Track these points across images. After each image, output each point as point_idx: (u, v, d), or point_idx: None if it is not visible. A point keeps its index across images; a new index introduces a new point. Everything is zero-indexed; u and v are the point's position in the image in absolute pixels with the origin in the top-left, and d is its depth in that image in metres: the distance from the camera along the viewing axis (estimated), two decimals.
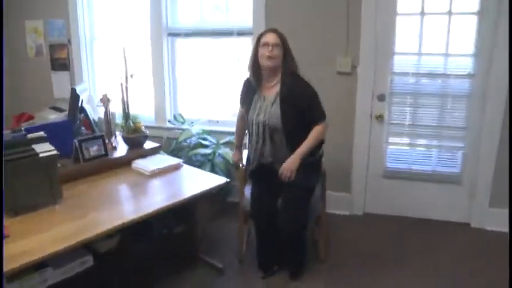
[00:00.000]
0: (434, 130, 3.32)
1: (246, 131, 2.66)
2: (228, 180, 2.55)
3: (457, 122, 3.28)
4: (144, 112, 3.82)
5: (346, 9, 3.17)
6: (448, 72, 3.21)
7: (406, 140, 3.40)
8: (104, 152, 2.53)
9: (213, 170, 3.18)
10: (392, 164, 3.45)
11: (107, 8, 4.02)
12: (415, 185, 3.44)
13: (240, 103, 2.69)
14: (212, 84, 3.82)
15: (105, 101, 2.74)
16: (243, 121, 2.68)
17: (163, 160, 2.71)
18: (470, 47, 3.15)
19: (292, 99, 2.40)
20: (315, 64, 3.25)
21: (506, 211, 3.13)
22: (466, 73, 3.19)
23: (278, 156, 2.47)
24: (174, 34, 3.77)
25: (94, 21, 4.10)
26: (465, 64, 3.19)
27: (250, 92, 2.54)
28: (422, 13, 3.16)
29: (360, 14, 3.17)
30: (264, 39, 2.41)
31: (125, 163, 2.65)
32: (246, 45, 3.52)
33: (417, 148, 3.42)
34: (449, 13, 3.12)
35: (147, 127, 2.96)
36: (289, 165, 2.39)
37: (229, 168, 3.31)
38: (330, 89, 3.21)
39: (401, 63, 3.27)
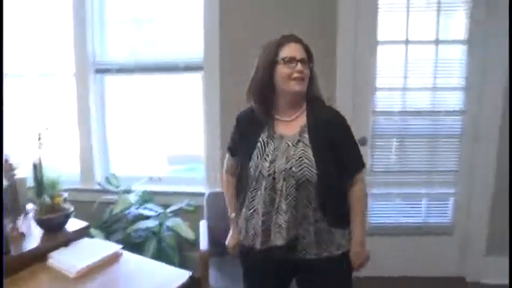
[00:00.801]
0: (423, 176, 2.87)
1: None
2: (190, 273, 1.80)
3: (448, 166, 2.87)
4: (68, 169, 2.98)
5: (319, 39, 2.63)
6: (437, 109, 2.80)
7: (392, 190, 2.88)
8: None
9: (160, 248, 2.43)
10: (377, 219, 2.93)
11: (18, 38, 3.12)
12: (402, 241, 2.97)
13: (231, 150, 1.86)
14: (152, 132, 3.09)
15: (7, 169, 1.92)
16: (235, 178, 1.86)
17: (95, 248, 1.90)
18: (460, 79, 2.77)
19: (326, 137, 1.62)
20: None
21: (504, 259, 2.80)
22: (457, 109, 2.80)
23: (302, 233, 1.62)
24: (103, 70, 2.99)
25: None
26: (455, 99, 2.80)
27: (250, 131, 1.71)
28: (407, 41, 2.72)
29: (335, 44, 2.67)
30: (286, 52, 1.61)
31: (37, 258, 1.81)
32: (195, 82, 2.87)
33: (405, 198, 2.92)
34: (437, 42, 2.73)
35: (72, 190, 2.19)
36: (361, 258, 1.69)
37: (181, 245, 2.56)
38: None
39: (384, 100, 2.80)
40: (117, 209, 2.51)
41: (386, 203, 2.92)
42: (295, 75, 1.59)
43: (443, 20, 2.71)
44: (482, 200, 2.87)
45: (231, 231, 1.82)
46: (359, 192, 1.67)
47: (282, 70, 1.60)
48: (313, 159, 1.58)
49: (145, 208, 2.61)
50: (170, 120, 3.07)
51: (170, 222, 2.53)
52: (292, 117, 1.67)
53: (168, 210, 2.66)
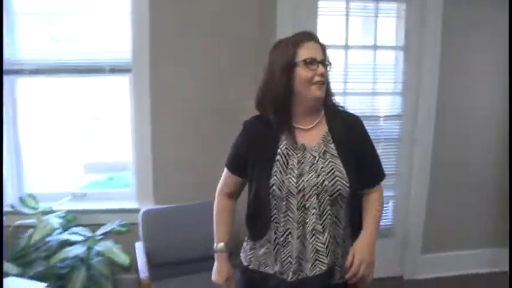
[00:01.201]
0: None
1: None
2: None
3: (388, 169, 2.79)
4: None
5: (256, 41, 2.50)
6: (377, 114, 2.83)
7: None
8: None
9: (90, 277, 2.14)
10: None
11: None
12: None
13: (232, 166, 1.58)
14: (72, 141, 2.75)
15: None
16: (233, 200, 1.63)
17: None
18: (397, 84, 2.81)
19: (352, 146, 1.46)
20: (218, 111, 2.56)
21: (438, 255, 3.03)
22: (395, 114, 2.84)
23: (337, 256, 1.46)
24: (14, 72, 2.57)
25: None
26: (394, 104, 2.85)
27: (263, 142, 1.48)
28: (346, 46, 2.68)
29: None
30: (306, 53, 1.40)
31: None
32: (122, 85, 2.61)
33: None
34: (375, 47, 2.73)
35: None
36: (366, 255, 1.42)
37: (115, 270, 2.29)
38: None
39: None
40: (36, 236, 2.14)
41: None
42: (317, 78, 1.40)
43: (381, 26, 2.72)
44: (418, 201, 2.95)
45: (217, 265, 1.56)
46: (379, 198, 1.53)
47: (302, 73, 1.39)
48: (344, 171, 1.41)
49: (71, 233, 2.26)
50: (90, 127, 2.77)
51: (100, 247, 2.22)
52: (312, 125, 1.47)
53: (98, 232, 2.34)
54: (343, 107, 1.54)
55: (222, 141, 2.48)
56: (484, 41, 2.87)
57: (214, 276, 1.55)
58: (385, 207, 2.88)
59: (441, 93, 2.81)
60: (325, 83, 1.43)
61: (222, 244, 1.55)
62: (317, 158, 1.42)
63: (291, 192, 1.40)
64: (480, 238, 3.15)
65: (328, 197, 1.40)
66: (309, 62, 1.39)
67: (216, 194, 1.62)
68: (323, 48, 1.45)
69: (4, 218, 2.38)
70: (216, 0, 2.52)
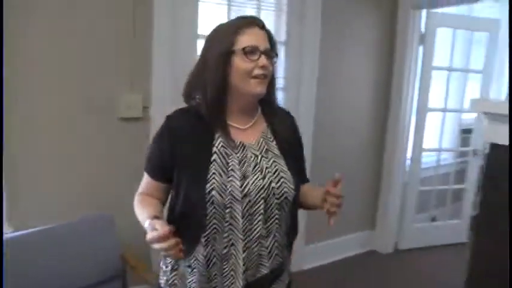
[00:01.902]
0: None
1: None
2: None
3: None
4: None
5: (131, 20, 2.10)
6: None
7: None
8: None
9: None
10: None
11: None
12: None
13: (154, 171, 1.29)
14: None
15: None
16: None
17: None
18: (280, 80, 2.69)
19: (292, 145, 1.32)
20: (83, 109, 2.09)
21: (320, 244, 3.18)
22: None
23: (279, 261, 1.30)
24: None
25: None
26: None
27: (193, 140, 1.21)
28: None
29: (152, 31, 2.16)
30: (246, 40, 1.16)
31: None
32: None
33: None
34: None
35: None
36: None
37: None
38: (110, 144, 2.20)
39: None
40: None
41: None
42: (257, 71, 1.16)
43: (264, 20, 2.55)
44: None
45: (148, 224, 1.11)
46: None
47: (240, 64, 1.16)
48: (288, 172, 1.25)
49: None
50: None
51: None
52: (249, 125, 1.26)
53: None
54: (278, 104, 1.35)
55: (96, 139, 2.13)
56: (357, 36, 3.04)
57: (151, 234, 1.07)
58: None
59: (320, 87, 2.84)
60: (267, 77, 1.20)
61: (148, 221, 1.13)
62: (260, 157, 1.23)
63: (234, 198, 1.17)
64: (354, 224, 3.40)
65: (276, 201, 1.22)
66: (249, 51, 1.16)
67: (135, 196, 1.33)
68: (269, 36, 1.23)
69: None
70: None
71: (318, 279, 3.02)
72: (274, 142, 1.28)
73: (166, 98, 2.25)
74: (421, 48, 3.26)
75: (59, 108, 2.03)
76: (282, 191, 1.22)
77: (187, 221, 1.18)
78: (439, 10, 3.22)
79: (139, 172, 2.22)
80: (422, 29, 3.23)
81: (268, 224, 1.23)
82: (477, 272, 2.19)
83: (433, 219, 3.77)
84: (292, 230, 1.34)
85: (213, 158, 1.19)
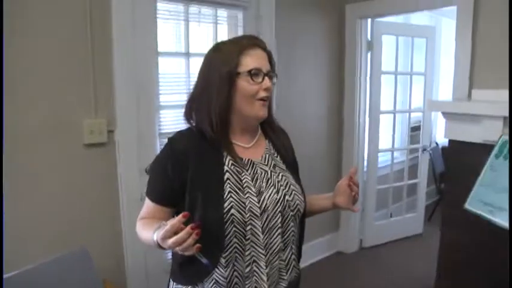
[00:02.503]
0: None
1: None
2: None
3: None
4: None
5: (89, 42, 2.05)
6: None
7: None
8: None
9: None
10: None
11: None
12: None
13: (158, 196, 1.24)
14: None
15: None
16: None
17: None
18: None
19: (291, 160, 1.36)
20: (44, 138, 1.99)
21: None
22: None
23: (293, 276, 1.31)
24: None
25: None
26: None
27: (202, 161, 1.19)
28: (188, 54, 2.45)
29: (112, 50, 2.13)
30: (251, 62, 1.18)
31: None
32: None
33: None
34: None
35: None
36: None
37: None
38: (76, 175, 2.10)
39: (169, 119, 2.44)
40: None
41: None
42: (262, 94, 1.19)
43: (220, 35, 2.61)
44: None
45: (157, 229, 1.07)
46: None
47: (245, 86, 1.18)
48: (297, 185, 1.29)
49: None
50: None
51: None
52: (251, 144, 1.28)
53: None
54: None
55: (60, 168, 2.04)
56: (310, 45, 3.18)
57: (162, 233, 1.02)
58: None
59: (276, 95, 2.90)
60: (269, 98, 1.23)
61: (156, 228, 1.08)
62: (270, 172, 1.26)
63: (253, 214, 1.18)
64: (319, 228, 3.48)
65: (291, 213, 1.25)
66: (254, 74, 1.18)
67: (137, 223, 1.27)
68: (269, 56, 1.25)
69: None
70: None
71: None
72: (278, 157, 1.32)
73: (131, 119, 2.22)
74: (369, 55, 3.44)
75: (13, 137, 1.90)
76: (296, 203, 1.25)
77: (205, 243, 1.06)
78: (383, 19, 3.43)
79: (107, 200, 2.20)
80: (369, 37, 3.42)
81: (285, 236, 1.25)
82: (445, 261, 2.36)
83: (391, 215, 3.96)
84: (301, 242, 1.37)
85: (226, 177, 1.18)
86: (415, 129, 4.08)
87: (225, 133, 1.23)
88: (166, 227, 1.02)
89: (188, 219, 1.04)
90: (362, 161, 3.59)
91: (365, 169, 3.64)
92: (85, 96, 2.08)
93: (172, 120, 2.44)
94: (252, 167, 1.24)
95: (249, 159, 1.25)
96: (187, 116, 1.28)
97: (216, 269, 1.19)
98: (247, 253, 1.19)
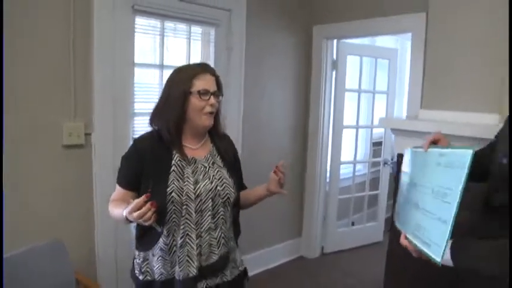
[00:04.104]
0: None
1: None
2: None
3: None
4: None
5: (71, 49, 2.24)
6: None
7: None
8: None
9: None
10: None
11: None
12: None
13: (127, 182, 1.63)
14: None
15: None
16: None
17: None
18: None
19: (230, 159, 1.75)
20: (26, 139, 2.16)
21: (253, 255, 3.26)
22: None
23: (226, 251, 1.68)
24: None
25: None
26: None
27: (157, 156, 1.59)
28: (162, 66, 2.66)
29: (92, 59, 2.31)
30: (201, 84, 1.57)
31: None
32: None
33: None
34: None
35: None
36: None
37: None
38: (54, 173, 2.28)
39: (143, 125, 2.60)
40: None
41: None
42: (208, 109, 1.58)
43: (194, 50, 2.82)
44: None
45: (126, 207, 1.43)
46: None
47: (195, 103, 1.56)
48: (230, 179, 1.66)
49: None
50: None
51: None
52: (198, 146, 1.67)
53: None
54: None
55: (40, 167, 2.22)
56: (278, 62, 3.41)
57: (130, 209, 1.39)
58: None
59: (245, 111, 3.14)
60: (214, 112, 1.61)
61: (125, 207, 1.45)
62: (208, 168, 1.63)
63: (189, 197, 1.55)
64: (282, 233, 3.69)
65: (221, 200, 1.61)
66: (203, 93, 1.56)
67: (109, 203, 1.65)
68: (217, 80, 1.63)
69: None
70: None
71: None
72: (219, 157, 1.69)
73: (107, 124, 2.41)
74: (334, 73, 3.70)
75: None
76: (226, 193, 1.63)
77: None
78: (348, 40, 3.71)
79: (82, 197, 2.37)
80: (334, 57, 3.68)
81: (215, 219, 1.61)
82: (392, 269, 2.58)
83: (353, 224, 4.19)
84: (235, 227, 1.73)
85: (171, 169, 1.56)
86: (378, 144, 4.34)
87: (178, 137, 1.61)
88: (132, 204, 1.38)
89: (148, 198, 1.39)
90: (325, 172, 3.82)
91: (327, 180, 3.87)
92: (65, 101, 2.26)
93: (145, 126, 2.58)
94: (195, 163, 1.62)
95: (193, 157, 1.62)
96: (151, 121, 1.66)
97: (161, 238, 1.57)
98: (181, 227, 1.56)
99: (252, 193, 1.80)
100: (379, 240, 4.23)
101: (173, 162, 1.58)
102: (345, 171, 4.09)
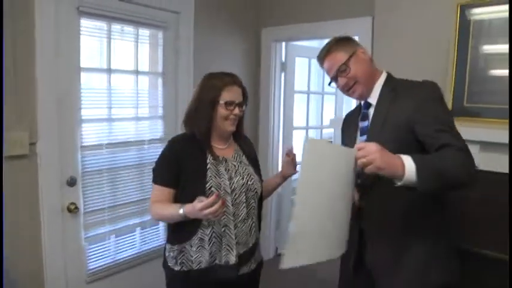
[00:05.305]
0: (134, 207, 2.80)
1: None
2: None
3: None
4: None
5: (11, 56, 2.08)
6: (142, 139, 2.80)
7: (106, 229, 2.66)
8: None
9: None
10: (95, 263, 2.62)
11: None
12: (124, 276, 2.77)
13: (164, 179, 1.79)
14: None
15: None
16: None
17: None
18: (159, 109, 2.89)
19: (253, 158, 1.97)
20: None
21: None
22: (158, 137, 2.89)
23: (256, 240, 1.91)
24: None
25: None
26: (156, 128, 2.89)
27: (192, 156, 1.77)
28: (109, 70, 2.56)
29: (34, 64, 2.18)
30: (227, 96, 1.77)
31: None
32: None
33: (119, 234, 2.75)
34: (137, 72, 2.72)
35: None
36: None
37: None
38: None
39: (91, 133, 2.52)
40: None
41: (102, 243, 2.65)
42: (232, 117, 1.79)
43: (143, 52, 2.75)
44: None
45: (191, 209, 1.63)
46: None
47: (221, 111, 1.77)
48: (256, 175, 1.88)
49: None
50: None
51: None
52: (225, 146, 1.88)
53: None
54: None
55: None
56: (227, 65, 3.31)
57: (200, 206, 1.58)
58: (156, 228, 2.97)
59: None
60: (237, 119, 1.83)
61: (180, 206, 1.68)
62: (237, 166, 1.84)
63: (226, 192, 1.74)
64: None
65: (251, 194, 1.83)
66: (229, 104, 1.77)
67: (151, 205, 1.80)
68: (244, 91, 1.85)
69: None
70: None
71: None
72: (244, 156, 1.91)
73: (53, 132, 2.29)
74: (283, 75, 3.75)
75: None
76: (255, 187, 1.84)
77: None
78: (296, 42, 3.76)
79: (27, 210, 2.23)
80: (283, 59, 3.73)
81: (248, 209, 1.81)
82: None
83: None
84: (259, 218, 1.93)
85: (208, 167, 1.75)
86: None
87: (208, 139, 1.81)
88: (204, 203, 1.56)
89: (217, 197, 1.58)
90: (276, 172, 3.84)
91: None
92: (7, 109, 2.09)
93: (94, 134, 2.52)
94: (226, 162, 1.82)
95: (223, 157, 1.83)
96: (185, 123, 1.85)
97: (200, 230, 1.73)
98: (222, 219, 1.73)
99: (270, 183, 2.02)
100: None
101: (208, 160, 1.76)
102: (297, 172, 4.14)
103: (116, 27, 2.57)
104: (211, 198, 1.56)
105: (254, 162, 1.95)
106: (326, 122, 4.21)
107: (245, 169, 1.85)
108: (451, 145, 1.42)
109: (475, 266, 2.04)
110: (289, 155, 1.94)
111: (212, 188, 1.71)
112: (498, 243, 2.06)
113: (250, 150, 1.97)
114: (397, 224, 1.61)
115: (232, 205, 1.75)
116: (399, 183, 1.36)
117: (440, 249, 1.62)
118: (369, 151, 1.35)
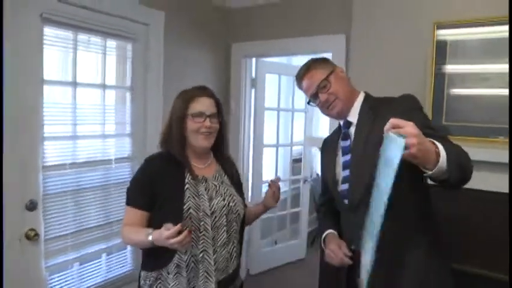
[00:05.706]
0: (100, 231, 2.59)
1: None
2: None
3: (121, 214, 2.67)
4: None
5: None
6: (108, 157, 2.61)
7: (69, 256, 2.42)
8: None
9: None
10: None
11: None
12: None
13: (137, 201, 1.68)
14: None
15: None
16: None
17: None
18: (126, 126, 2.72)
19: (236, 179, 1.86)
20: None
21: None
22: (126, 156, 2.71)
23: (235, 265, 1.76)
24: None
25: None
26: (124, 146, 2.72)
27: (169, 175, 1.67)
28: (75, 83, 2.37)
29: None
30: (195, 107, 1.68)
31: None
32: None
33: (84, 261, 2.51)
34: (104, 86, 2.55)
35: None
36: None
37: None
38: None
39: (54, 151, 2.31)
40: None
41: (64, 272, 2.40)
42: (203, 130, 1.65)
43: (110, 64, 2.58)
44: None
45: (161, 230, 1.48)
46: None
47: (190, 124, 1.66)
48: (238, 196, 1.77)
49: None
50: None
51: None
52: (204, 166, 1.75)
53: None
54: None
55: None
56: (198, 79, 3.21)
57: (165, 235, 1.45)
58: (124, 254, 2.75)
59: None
60: (211, 133, 1.69)
61: (148, 232, 1.55)
62: (218, 186, 1.73)
63: (206, 214, 1.62)
64: None
65: (233, 216, 1.71)
66: (196, 115, 1.65)
67: (122, 227, 1.69)
68: (216, 102, 1.73)
69: None
70: None
71: None
72: (226, 177, 1.79)
73: (12, 151, 2.05)
74: (253, 91, 3.67)
75: None
76: (237, 209, 1.72)
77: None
78: (266, 59, 3.71)
79: None
80: (253, 75, 3.66)
81: (229, 233, 1.69)
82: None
83: (276, 242, 4.16)
84: (241, 242, 1.80)
85: (186, 187, 1.63)
86: (297, 161, 4.40)
87: (185, 157, 1.70)
88: (169, 232, 1.42)
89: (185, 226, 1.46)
90: (247, 192, 3.74)
91: (249, 199, 3.80)
92: None
93: (58, 152, 2.32)
94: (206, 181, 1.70)
95: (203, 176, 1.71)
96: (161, 145, 1.74)
97: (176, 255, 1.59)
98: (200, 243, 1.60)
99: (252, 211, 1.93)
100: (302, 257, 4.25)
101: (186, 180, 1.64)
102: (266, 189, 4.05)
103: (82, 37, 2.39)
104: (176, 227, 1.43)
105: (237, 183, 1.85)
106: (296, 139, 4.17)
107: (227, 189, 1.73)
108: (448, 140, 1.40)
109: (469, 286, 2.01)
110: (272, 187, 1.85)
111: (191, 210, 1.59)
112: (490, 262, 2.05)
113: (233, 170, 1.86)
114: (389, 244, 1.53)
115: (211, 228, 1.63)
116: (430, 173, 1.24)
117: (434, 267, 1.56)
118: (410, 132, 1.18)
